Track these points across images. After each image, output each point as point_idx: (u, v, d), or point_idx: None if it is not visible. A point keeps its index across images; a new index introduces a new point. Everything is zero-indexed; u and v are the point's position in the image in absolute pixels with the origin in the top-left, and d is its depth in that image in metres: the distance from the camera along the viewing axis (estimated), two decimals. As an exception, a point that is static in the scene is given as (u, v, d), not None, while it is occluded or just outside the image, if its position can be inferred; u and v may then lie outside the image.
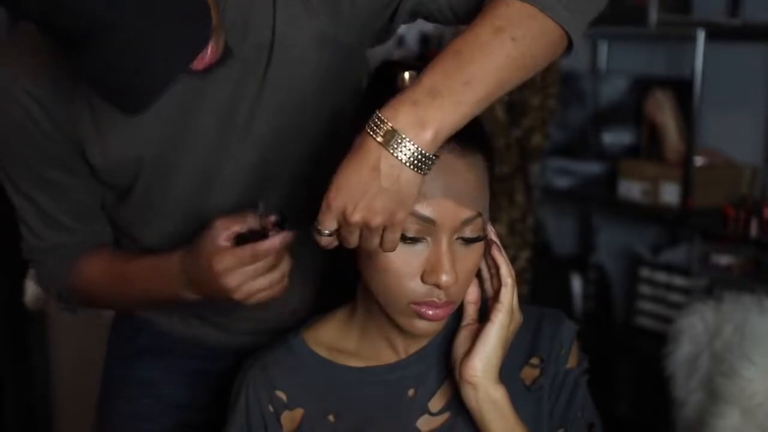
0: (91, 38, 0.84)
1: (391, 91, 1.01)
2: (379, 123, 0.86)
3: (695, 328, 2.08)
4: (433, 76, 0.87)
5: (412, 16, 1.10)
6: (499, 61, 0.89)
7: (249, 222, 1.04)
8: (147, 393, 1.31)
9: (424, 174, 0.88)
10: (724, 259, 2.68)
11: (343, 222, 0.89)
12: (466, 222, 0.95)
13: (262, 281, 1.04)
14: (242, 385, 1.06)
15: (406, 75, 1.02)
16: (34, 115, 1.08)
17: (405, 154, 0.85)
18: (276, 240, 1.02)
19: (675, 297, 2.75)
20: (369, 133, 0.87)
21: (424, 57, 2.64)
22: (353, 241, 0.91)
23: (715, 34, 2.60)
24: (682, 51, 2.85)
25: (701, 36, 2.58)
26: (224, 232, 1.03)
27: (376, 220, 0.88)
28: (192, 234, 1.09)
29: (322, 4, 1.06)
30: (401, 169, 0.86)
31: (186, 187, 1.14)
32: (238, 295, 1.05)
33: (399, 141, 0.85)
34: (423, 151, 0.86)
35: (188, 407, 1.31)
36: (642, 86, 2.92)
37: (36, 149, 1.11)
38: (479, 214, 0.96)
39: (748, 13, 2.66)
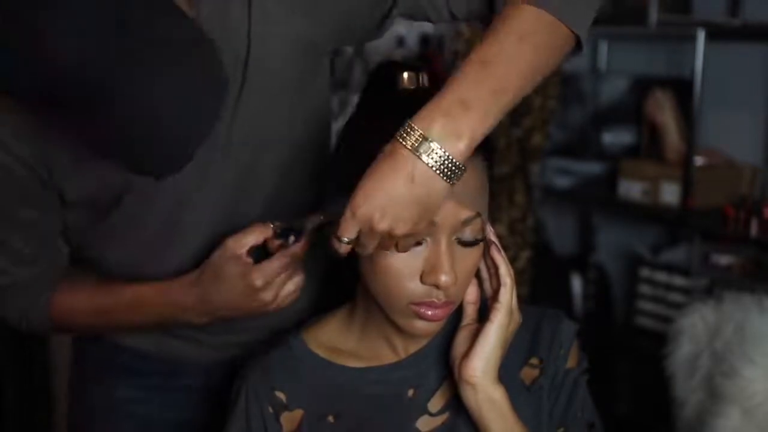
0: (105, 111, 0.83)
1: (391, 91, 1.02)
2: (411, 132, 0.86)
3: (695, 328, 2.09)
4: (463, 86, 0.88)
5: (405, 18, 1.10)
6: (522, 69, 0.90)
7: (258, 233, 1.04)
8: (129, 415, 1.27)
9: (453, 184, 0.88)
10: (724, 259, 2.68)
11: (368, 230, 0.89)
12: (466, 222, 0.95)
13: (291, 286, 1.06)
14: (241, 386, 1.06)
15: (406, 75, 1.02)
16: (5, 161, 1.02)
17: (439, 164, 0.86)
18: (303, 241, 1.03)
19: (675, 297, 2.75)
20: (400, 141, 0.87)
21: (424, 57, 2.64)
22: (371, 248, 0.91)
23: (715, 34, 2.61)
24: (682, 51, 2.85)
25: (701, 36, 2.58)
26: (242, 249, 1.04)
27: (402, 229, 0.88)
28: (161, 250, 1.09)
29: (302, 5, 1.05)
30: (434, 179, 0.86)
31: (167, 203, 1.10)
32: (272, 306, 1.06)
33: (433, 151, 0.85)
34: (456, 162, 0.86)
35: (178, 426, 1.27)
36: (642, 86, 2.93)
37: (5, 193, 1.05)
38: (478, 215, 0.96)
39: (748, 13, 2.66)
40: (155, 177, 0.94)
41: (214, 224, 1.12)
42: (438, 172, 0.86)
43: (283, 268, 1.04)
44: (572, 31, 0.94)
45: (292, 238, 1.03)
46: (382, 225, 0.87)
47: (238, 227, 1.07)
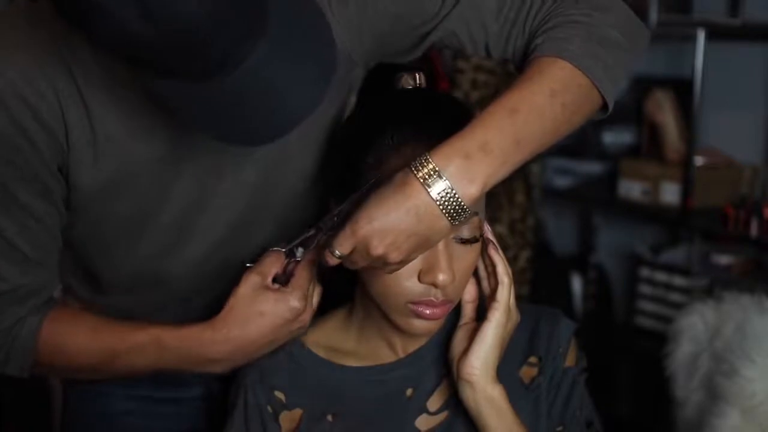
0: (215, 77, 0.80)
1: (389, 91, 1.02)
2: (426, 164, 0.86)
3: (695, 328, 2.08)
4: (488, 130, 0.88)
5: (438, 45, 1.07)
6: (548, 125, 0.91)
7: (275, 259, 1.00)
8: (127, 427, 1.24)
9: (455, 225, 0.88)
10: (724, 259, 2.68)
11: (363, 251, 0.89)
12: (463, 222, 0.95)
13: (316, 298, 1.04)
14: (240, 387, 1.06)
15: (404, 76, 1.02)
16: (23, 122, 0.93)
17: (446, 203, 0.86)
18: (313, 248, 1.00)
19: (675, 297, 2.75)
20: (414, 173, 0.87)
21: (424, 57, 2.63)
22: (360, 265, 0.92)
23: (715, 34, 2.60)
24: (682, 51, 2.85)
25: (701, 36, 2.58)
26: (267, 279, 1.00)
27: (396, 258, 0.89)
28: (169, 248, 1.06)
29: (343, 20, 1.02)
30: (438, 217, 0.87)
31: (177, 206, 1.06)
32: (308, 325, 1.03)
33: (444, 190, 0.86)
34: (464, 205, 0.87)
35: None
36: (642, 86, 2.92)
37: (16, 165, 0.95)
38: (475, 214, 0.96)
39: (748, 13, 2.65)
40: (255, 144, 0.89)
41: (229, 224, 1.09)
42: (443, 210, 0.86)
43: (311, 278, 1.01)
44: (602, 97, 0.94)
45: (300, 250, 1.00)
46: (378, 250, 0.88)
47: (252, 229, 1.07)
